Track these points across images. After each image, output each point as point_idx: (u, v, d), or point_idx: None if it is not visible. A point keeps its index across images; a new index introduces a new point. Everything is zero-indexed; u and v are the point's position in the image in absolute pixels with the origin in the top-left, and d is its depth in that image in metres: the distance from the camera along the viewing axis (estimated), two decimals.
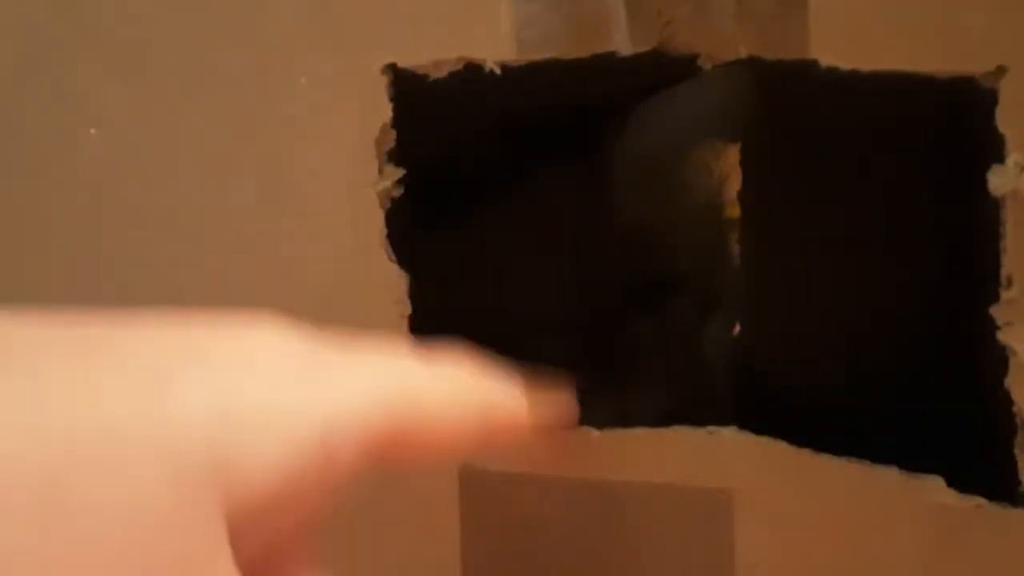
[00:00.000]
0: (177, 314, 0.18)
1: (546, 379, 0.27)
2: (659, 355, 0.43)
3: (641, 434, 0.30)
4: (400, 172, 0.30)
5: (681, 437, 0.29)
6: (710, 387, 0.43)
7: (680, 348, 0.43)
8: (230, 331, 0.18)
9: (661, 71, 0.30)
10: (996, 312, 0.27)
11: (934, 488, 0.27)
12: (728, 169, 0.43)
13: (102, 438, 0.15)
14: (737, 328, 0.43)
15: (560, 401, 0.27)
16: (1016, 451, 0.27)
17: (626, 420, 0.30)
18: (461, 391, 0.20)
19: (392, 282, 0.30)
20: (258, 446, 0.16)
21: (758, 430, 0.29)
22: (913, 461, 0.28)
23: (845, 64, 0.27)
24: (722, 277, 0.44)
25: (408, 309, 0.30)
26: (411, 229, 0.31)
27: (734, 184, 0.42)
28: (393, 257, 0.30)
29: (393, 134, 0.30)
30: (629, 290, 0.43)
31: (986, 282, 0.28)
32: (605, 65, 0.29)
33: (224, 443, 0.16)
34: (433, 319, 0.31)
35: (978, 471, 0.28)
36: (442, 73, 0.29)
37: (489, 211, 0.42)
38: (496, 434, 0.21)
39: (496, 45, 0.29)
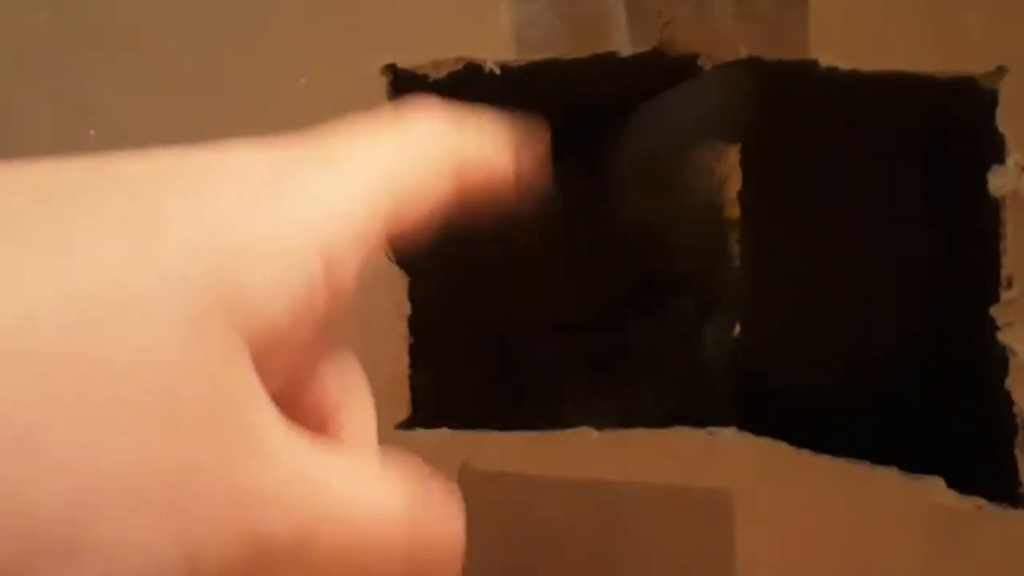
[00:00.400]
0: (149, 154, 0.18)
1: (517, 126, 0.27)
2: (659, 355, 0.43)
3: (641, 435, 0.30)
4: None
5: (681, 438, 0.29)
6: (710, 387, 0.43)
7: (680, 348, 0.43)
8: (207, 157, 0.18)
9: (661, 71, 0.30)
10: (996, 312, 0.27)
11: (934, 489, 0.27)
12: (728, 169, 0.43)
13: (109, 295, 0.14)
14: (737, 328, 0.43)
15: (534, 142, 0.26)
16: (1016, 452, 0.27)
17: (626, 420, 0.30)
18: (439, 159, 0.20)
19: (392, 282, 0.30)
20: (265, 276, 0.16)
21: (758, 431, 0.29)
22: (913, 462, 0.28)
23: (845, 64, 0.27)
24: (722, 277, 0.44)
25: (407, 309, 0.30)
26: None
27: (734, 184, 0.42)
28: (393, 257, 0.30)
29: None
30: (629, 290, 0.43)
31: (986, 282, 0.28)
32: (605, 65, 0.29)
33: (232, 277, 0.15)
34: (433, 319, 0.31)
35: (978, 472, 0.28)
36: (442, 73, 0.29)
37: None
38: (478, 185, 0.22)
39: (496, 45, 0.29)
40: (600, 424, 0.30)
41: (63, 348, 0.14)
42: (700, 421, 0.30)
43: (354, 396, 0.20)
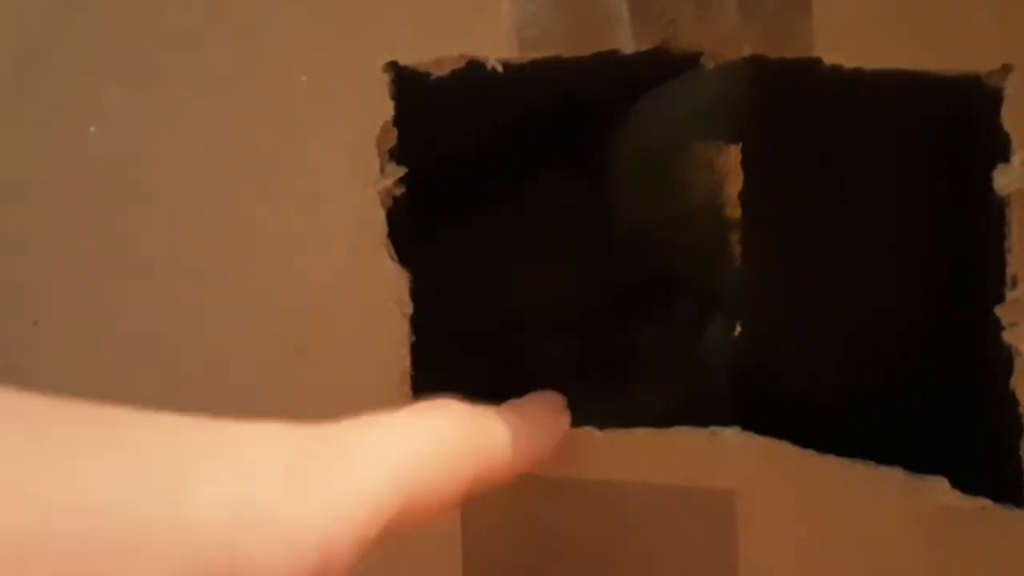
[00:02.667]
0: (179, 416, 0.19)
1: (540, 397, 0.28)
2: (660, 356, 0.43)
3: (643, 435, 0.29)
4: (402, 171, 0.30)
5: (684, 438, 0.29)
6: (711, 388, 0.42)
7: (681, 349, 0.43)
8: (239, 431, 0.19)
9: (664, 70, 0.30)
10: (1001, 312, 0.27)
11: (938, 489, 0.27)
12: (729, 167, 0.43)
13: (122, 524, 0.15)
14: (738, 329, 0.43)
15: (555, 420, 0.27)
16: (1022, 452, 0.27)
17: (627, 421, 0.30)
18: (452, 452, 0.22)
19: (394, 281, 0.30)
20: (267, 554, 0.17)
21: (761, 431, 0.29)
22: (917, 462, 0.28)
23: (849, 62, 0.27)
24: (723, 277, 0.44)
25: (410, 308, 0.30)
26: (413, 228, 0.31)
27: (735, 184, 0.42)
28: (395, 256, 0.30)
29: (395, 132, 0.30)
30: (630, 290, 0.43)
31: (991, 282, 0.28)
32: (607, 63, 0.29)
33: (239, 548, 0.16)
34: (435, 319, 0.31)
35: (983, 472, 0.28)
36: (444, 71, 0.29)
37: (491, 210, 0.42)
38: (493, 478, 0.23)
39: (498, 43, 0.28)
40: (601, 424, 0.30)
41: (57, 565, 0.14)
42: (701, 421, 0.30)
43: None
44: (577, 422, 0.30)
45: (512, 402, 0.28)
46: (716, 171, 0.44)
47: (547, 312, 0.42)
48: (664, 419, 0.30)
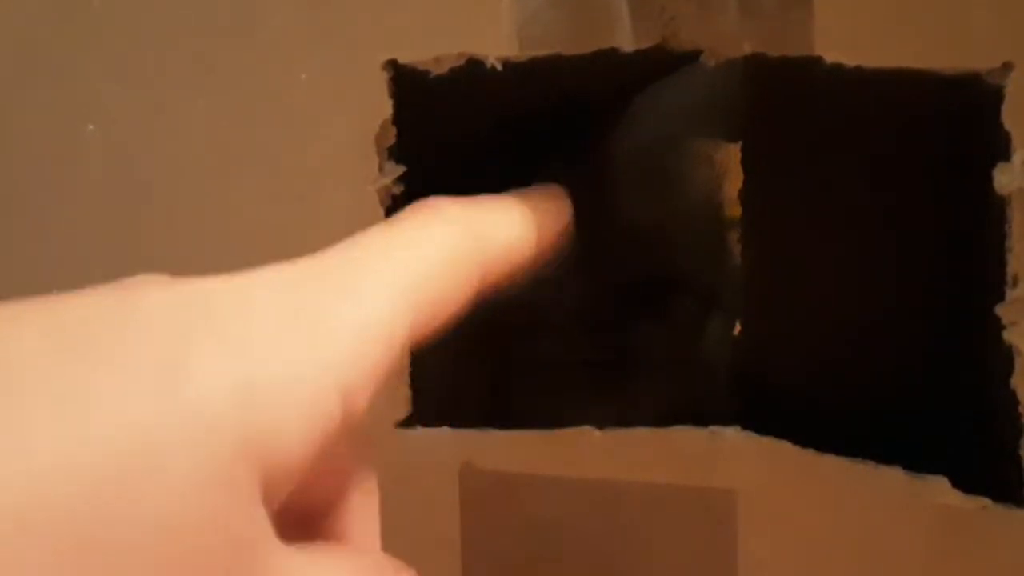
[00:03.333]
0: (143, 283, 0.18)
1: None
2: (659, 356, 0.43)
3: (643, 434, 0.29)
4: (401, 169, 0.30)
5: (684, 437, 0.29)
6: (712, 387, 0.42)
7: (681, 349, 0.43)
8: (230, 296, 0.18)
9: (664, 67, 0.30)
10: (1002, 311, 0.27)
11: (939, 489, 0.27)
12: (728, 164, 0.43)
13: (126, 454, 0.14)
14: (738, 328, 0.43)
15: (558, 203, 0.26)
16: (1022, 452, 0.27)
17: (626, 420, 0.30)
18: (459, 264, 0.21)
19: None
20: (286, 418, 0.16)
21: (761, 430, 0.29)
22: (917, 461, 0.28)
23: (849, 61, 0.27)
24: (722, 275, 0.44)
25: None
26: None
27: (735, 182, 0.42)
28: None
29: (394, 131, 0.30)
30: (629, 290, 0.43)
31: (991, 281, 0.28)
32: (608, 61, 0.28)
33: (255, 423, 0.16)
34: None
35: (983, 472, 0.28)
36: (443, 69, 0.29)
37: None
38: (503, 269, 0.22)
39: (498, 41, 0.28)
40: (601, 423, 0.30)
41: (73, 523, 0.13)
42: (701, 421, 0.30)
43: (360, 496, 0.20)
44: (575, 422, 0.29)
45: (510, 191, 0.26)
46: (714, 167, 0.44)
47: (546, 311, 0.42)
48: (664, 419, 0.30)
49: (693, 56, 0.28)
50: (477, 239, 0.21)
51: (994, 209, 0.27)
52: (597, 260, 0.42)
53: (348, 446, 0.19)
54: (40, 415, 0.14)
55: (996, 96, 0.26)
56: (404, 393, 0.30)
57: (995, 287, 0.27)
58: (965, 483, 0.27)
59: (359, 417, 0.18)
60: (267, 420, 0.16)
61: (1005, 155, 0.26)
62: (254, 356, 0.16)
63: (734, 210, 0.42)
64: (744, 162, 0.41)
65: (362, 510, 0.20)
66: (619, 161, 0.43)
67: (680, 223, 0.44)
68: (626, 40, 0.28)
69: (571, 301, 0.42)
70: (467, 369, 0.38)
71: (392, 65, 0.29)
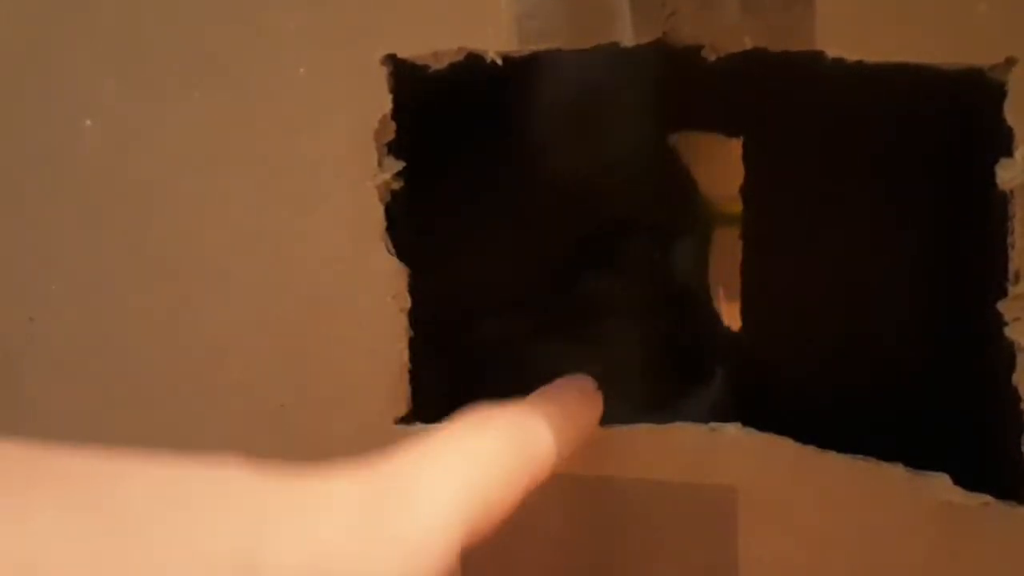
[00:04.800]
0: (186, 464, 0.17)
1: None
2: (629, 299, 0.42)
3: (643, 430, 0.29)
4: (400, 164, 0.30)
5: (684, 433, 0.29)
6: (697, 317, 0.42)
7: (648, 286, 0.43)
8: (306, 484, 0.18)
9: (665, 62, 0.30)
10: (1004, 308, 0.27)
11: (940, 486, 0.27)
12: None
13: None
14: (738, 324, 0.42)
15: (591, 405, 0.27)
16: (1023, 448, 0.27)
17: (615, 374, 0.30)
18: (507, 469, 0.22)
19: (392, 276, 0.30)
20: None
21: (762, 427, 0.29)
22: (919, 458, 0.28)
23: (851, 56, 0.26)
24: (676, 202, 0.44)
25: (408, 303, 0.30)
26: (411, 222, 0.31)
27: (736, 178, 0.42)
28: (393, 250, 0.30)
29: (393, 126, 0.30)
30: (581, 245, 0.42)
31: (993, 277, 0.27)
32: (608, 56, 0.28)
33: None
34: (433, 314, 0.31)
35: (985, 469, 0.27)
36: (442, 64, 0.29)
37: (491, 204, 0.41)
38: (542, 479, 0.23)
39: (497, 36, 0.28)
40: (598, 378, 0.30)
41: None
42: (693, 356, 0.29)
43: None
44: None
45: (545, 390, 0.27)
46: (640, 106, 0.43)
47: (505, 288, 0.41)
48: (652, 363, 0.30)
49: (694, 51, 0.28)
50: (529, 455, 0.23)
51: (996, 205, 0.27)
52: (538, 225, 0.42)
53: None
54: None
55: (998, 92, 0.26)
56: (404, 390, 0.30)
57: (997, 283, 0.27)
58: (967, 480, 0.27)
59: None
60: None
61: (1007, 151, 0.26)
62: (323, 548, 0.17)
63: (735, 206, 0.42)
64: (745, 157, 0.41)
65: None
66: (535, 121, 0.42)
67: (615, 167, 0.43)
68: (626, 35, 0.28)
69: (526, 269, 0.42)
70: (465, 366, 0.38)
71: (391, 60, 0.29)
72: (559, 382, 0.28)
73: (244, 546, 0.16)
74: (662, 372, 0.34)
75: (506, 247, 0.42)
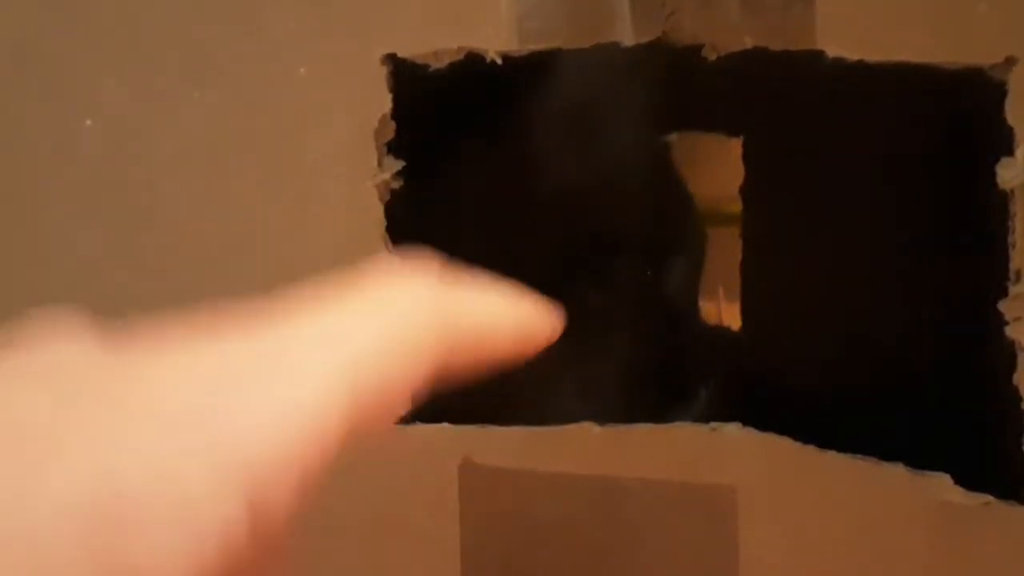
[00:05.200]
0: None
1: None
2: (615, 316, 0.42)
3: (643, 430, 0.29)
4: (400, 164, 0.30)
5: (684, 433, 0.29)
6: (679, 335, 0.42)
7: (635, 305, 0.43)
8: (110, 363, 0.15)
9: (665, 61, 0.30)
10: (1004, 307, 0.27)
11: (941, 486, 0.27)
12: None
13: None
14: (739, 323, 0.42)
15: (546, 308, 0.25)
16: None
17: (602, 388, 0.30)
18: (412, 337, 0.17)
19: None
20: (157, 532, 0.13)
21: (762, 427, 0.29)
22: (920, 458, 0.28)
23: (852, 55, 0.26)
24: (672, 221, 0.44)
25: None
26: (411, 221, 0.31)
27: (736, 178, 0.42)
28: (392, 250, 0.30)
29: (393, 125, 0.30)
30: (573, 253, 0.42)
31: (994, 277, 0.27)
32: (608, 56, 0.28)
33: (108, 538, 0.13)
34: None
35: (986, 468, 0.27)
36: (443, 63, 0.29)
37: (491, 201, 0.41)
38: (469, 360, 0.19)
39: (498, 35, 0.28)
40: (576, 396, 0.30)
41: None
42: (678, 375, 0.29)
43: None
44: (572, 408, 0.29)
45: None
46: (644, 118, 0.43)
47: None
48: (637, 378, 0.29)
49: (694, 51, 0.28)
50: (442, 315, 0.18)
51: (997, 204, 0.27)
52: (534, 232, 0.42)
53: (267, 562, 0.15)
54: None
55: (999, 91, 0.26)
56: None
57: (998, 283, 0.27)
58: (967, 480, 0.27)
59: (278, 528, 0.14)
60: (129, 542, 0.13)
61: (1008, 150, 0.26)
62: (120, 455, 0.13)
63: (735, 206, 0.42)
64: (745, 157, 0.41)
65: None
66: (535, 128, 0.42)
67: (614, 173, 0.42)
68: (626, 34, 0.28)
69: (525, 271, 0.42)
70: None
71: (391, 59, 0.29)
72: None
73: (21, 465, 0.13)
74: (644, 389, 0.34)
75: (506, 246, 0.42)
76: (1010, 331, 0.26)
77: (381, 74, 0.29)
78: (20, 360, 0.15)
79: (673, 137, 0.44)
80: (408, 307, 0.18)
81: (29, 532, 0.12)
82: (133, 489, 0.13)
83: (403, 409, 0.17)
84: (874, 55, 0.26)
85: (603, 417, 0.29)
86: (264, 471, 0.14)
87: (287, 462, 0.14)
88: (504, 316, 0.19)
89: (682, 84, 0.39)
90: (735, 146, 0.41)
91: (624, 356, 0.40)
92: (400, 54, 0.29)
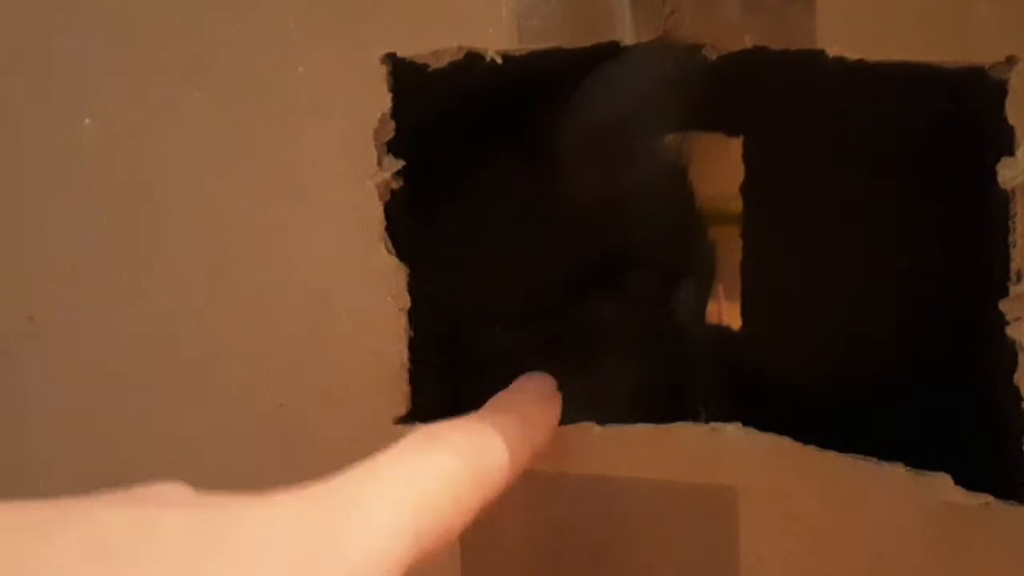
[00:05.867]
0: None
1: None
2: (624, 333, 0.42)
3: (644, 430, 0.29)
4: (399, 164, 0.30)
5: (685, 433, 0.29)
6: (687, 357, 0.42)
7: (646, 323, 0.43)
8: (236, 517, 0.18)
9: (665, 61, 0.30)
10: (1005, 307, 0.26)
11: (941, 486, 0.27)
12: (681, 139, 0.42)
13: None
14: (739, 323, 0.42)
15: (548, 410, 0.27)
16: None
17: (606, 401, 0.30)
18: (457, 485, 0.22)
19: (391, 276, 0.30)
20: None
21: (762, 427, 0.29)
22: (920, 458, 0.28)
23: (852, 54, 0.26)
24: (687, 242, 0.44)
25: (407, 302, 0.30)
26: (411, 221, 0.31)
27: (736, 177, 0.42)
28: (392, 250, 0.30)
29: (392, 125, 0.30)
30: (587, 268, 0.42)
31: (995, 276, 0.27)
32: (608, 55, 0.28)
33: None
34: (432, 313, 0.31)
35: (986, 469, 0.27)
36: (442, 63, 0.29)
37: (491, 201, 0.41)
38: (497, 493, 0.23)
39: (497, 34, 0.28)
40: (579, 408, 0.30)
41: None
42: (679, 396, 0.29)
43: None
44: (573, 418, 0.29)
45: (501, 396, 0.27)
46: (666, 139, 0.43)
47: (504, 299, 0.41)
48: (640, 394, 0.30)
49: (695, 50, 0.28)
50: (481, 471, 0.23)
51: (998, 204, 0.27)
52: (552, 240, 0.42)
53: None
54: None
55: (1000, 90, 0.26)
56: (403, 390, 0.30)
57: (998, 282, 0.27)
58: (967, 480, 0.27)
59: None
60: None
61: (1009, 149, 0.26)
62: None
63: (736, 205, 0.42)
64: (745, 156, 0.41)
65: None
66: (563, 142, 0.42)
67: (633, 199, 0.43)
68: (627, 33, 0.28)
69: (529, 286, 0.42)
70: (464, 363, 0.38)
71: (391, 59, 0.29)
72: (517, 384, 0.28)
73: None
74: (644, 404, 0.34)
75: (506, 246, 0.42)
76: (1011, 331, 0.26)
77: (381, 73, 0.29)
78: (155, 494, 0.19)
79: (681, 141, 0.44)
80: (451, 463, 0.22)
81: None
82: None
83: (453, 539, 0.21)
84: (874, 54, 0.26)
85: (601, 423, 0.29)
86: None
87: None
88: (520, 445, 0.25)
89: (682, 84, 0.39)
90: (735, 145, 0.41)
91: (626, 367, 0.40)
92: (400, 53, 0.29)
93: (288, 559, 0.18)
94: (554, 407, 0.28)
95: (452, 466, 0.22)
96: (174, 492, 0.19)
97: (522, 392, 0.28)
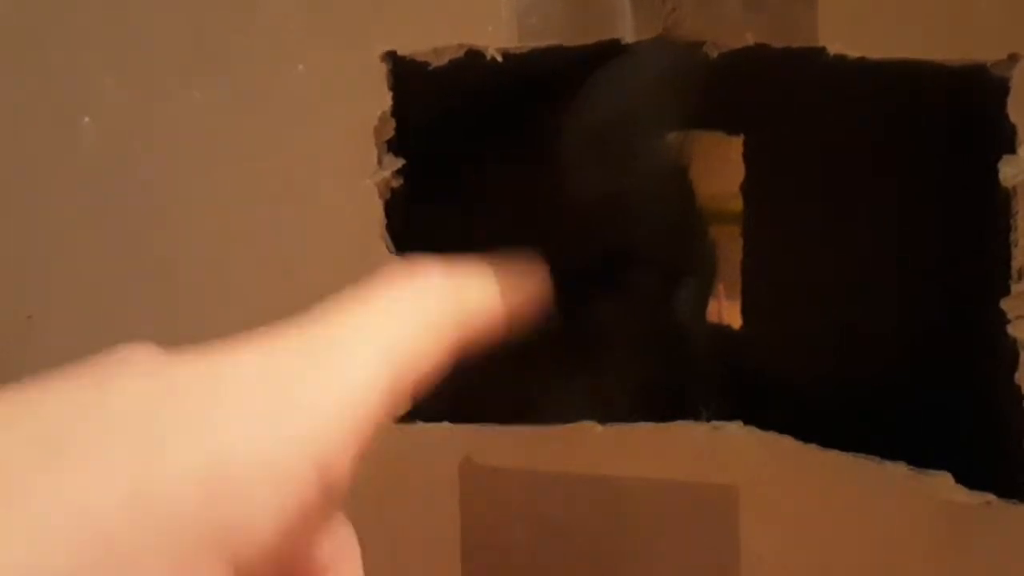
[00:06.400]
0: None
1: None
2: (625, 331, 0.42)
3: (645, 429, 0.29)
4: (400, 162, 0.30)
5: (685, 432, 0.29)
6: (686, 356, 0.42)
7: (647, 321, 0.43)
8: (201, 373, 0.18)
9: (666, 58, 0.30)
10: (1006, 305, 0.26)
11: (942, 484, 0.27)
12: (683, 137, 0.42)
13: (94, 552, 0.14)
14: (739, 323, 0.42)
15: (534, 269, 0.26)
16: None
17: (606, 399, 0.30)
18: (437, 324, 0.21)
19: None
20: (259, 503, 0.16)
21: (764, 425, 0.29)
22: (921, 457, 0.28)
23: (854, 52, 0.26)
24: (688, 242, 0.43)
25: None
26: (411, 220, 0.31)
27: (737, 176, 0.41)
28: (392, 248, 0.30)
29: (392, 123, 0.30)
30: (588, 265, 0.42)
31: (996, 275, 0.27)
32: (609, 52, 0.28)
33: (221, 512, 0.16)
34: None
35: (987, 467, 0.27)
36: (442, 60, 0.29)
37: (491, 200, 0.41)
38: (480, 335, 0.22)
39: (498, 32, 0.28)
40: (581, 406, 0.29)
41: None
42: (680, 392, 0.29)
43: (343, 561, 0.20)
44: (575, 417, 0.29)
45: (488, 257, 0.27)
46: (667, 138, 0.43)
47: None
48: (640, 393, 0.29)
49: (696, 47, 0.28)
50: (454, 303, 0.22)
51: (999, 202, 0.27)
52: (553, 239, 0.42)
53: (331, 513, 0.19)
54: (5, 516, 0.14)
55: (1001, 88, 0.26)
56: None
57: (999, 281, 0.27)
58: (969, 478, 0.27)
59: (341, 486, 0.18)
60: (237, 507, 0.16)
61: (1010, 147, 0.26)
62: (221, 442, 0.16)
63: (736, 203, 0.42)
64: (746, 155, 0.41)
65: (346, 566, 0.20)
66: (565, 141, 0.42)
67: (633, 197, 0.43)
68: (627, 31, 0.28)
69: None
70: (468, 363, 0.38)
71: (391, 57, 0.29)
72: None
73: (138, 452, 0.15)
74: (645, 403, 0.34)
75: (506, 245, 0.41)
76: (1012, 329, 0.26)
77: (381, 72, 0.29)
78: (111, 365, 0.18)
79: (683, 140, 0.44)
80: (426, 298, 0.21)
81: (160, 491, 0.15)
82: (236, 466, 0.16)
83: (432, 381, 0.21)
84: (876, 52, 0.26)
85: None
86: (329, 442, 0.17)
87: (346, 433, 0.18)
88: (500, 294, 0.23)
89: (683, 82, 0.38)
90: (736, 144, 0.41)
91: (627, 367, 0.40)
92: (400, 52, 0.29)
93: (254, 408, 0.17)
94: (541, 274, 0.27)
95: (431, 307, 0.21)
96: (136, 356, 0.18)
97: (503, 257, 0.27)
